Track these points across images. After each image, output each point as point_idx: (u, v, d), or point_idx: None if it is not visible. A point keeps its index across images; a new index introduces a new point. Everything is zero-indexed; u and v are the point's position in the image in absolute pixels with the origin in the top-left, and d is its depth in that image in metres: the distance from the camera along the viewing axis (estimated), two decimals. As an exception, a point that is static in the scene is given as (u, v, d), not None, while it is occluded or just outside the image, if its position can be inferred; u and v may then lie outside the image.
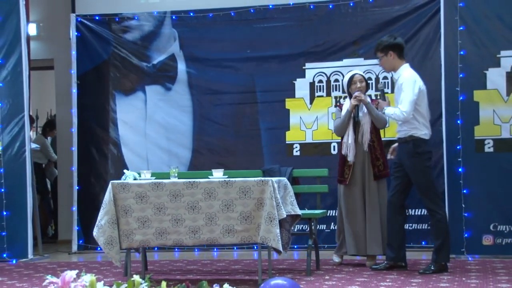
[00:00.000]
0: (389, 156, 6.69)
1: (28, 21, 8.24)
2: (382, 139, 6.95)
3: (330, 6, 8.21)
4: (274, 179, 5.80)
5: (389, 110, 6.36)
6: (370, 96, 6.46)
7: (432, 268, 6.19)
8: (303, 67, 8.29)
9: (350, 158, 6.71)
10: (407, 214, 7.79)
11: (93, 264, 7.44)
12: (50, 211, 10.42)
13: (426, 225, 7.81)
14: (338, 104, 7.79)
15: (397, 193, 6.40)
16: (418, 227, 7.87)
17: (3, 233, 7.82)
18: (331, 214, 7.98)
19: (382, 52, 6.39)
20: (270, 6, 8.38)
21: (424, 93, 6.35)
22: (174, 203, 5.80)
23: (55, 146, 10.17)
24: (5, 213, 7.81)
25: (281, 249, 5.67)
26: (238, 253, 8.05)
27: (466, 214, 7.23)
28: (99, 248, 7.49)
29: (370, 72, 7.94)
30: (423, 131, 6.30)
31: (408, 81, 6.26)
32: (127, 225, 5.86)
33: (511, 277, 5.81)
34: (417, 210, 7.84)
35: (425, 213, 7.84)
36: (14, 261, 7.73)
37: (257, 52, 8.43)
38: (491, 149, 7.31)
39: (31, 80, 8.40)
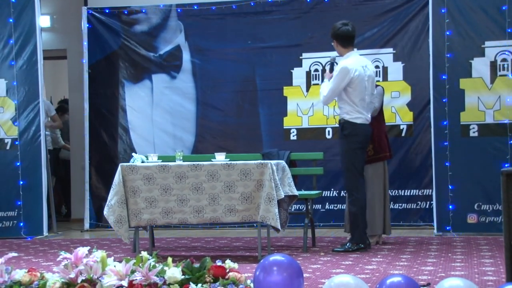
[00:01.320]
0: None
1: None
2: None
3: (326, 0, 8.19)
4: (272, 162, 5.79)
5: (323, 86, 6.30)
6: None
7: (348, 246, 6.13)
8: (300, 57, 8.26)
9: None
10: (397, 194, 7.86)
11: (104, 241, 7.44)
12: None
13: (415, 204, 7.82)
14: None
15: None
16: (407, 207, 7.86)
17: (20, 212, 7.84)
18: (326, 195, 7.98)
19: (331, 38, 6.34)
20: (270, 0, 8.35)
21: (360, 80, 6.14)
22: (179, 184, 5.80)
23: (68, 130, 10.13)
24: (22, 193, 7.84)
25: (279, 227, 5.67)
26: (239, 231, 8.05)
27: (452, 195, 7.23)
28: (109, 227, 7.49)
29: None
30: (353, 115, 6.15)
31: (340, 69, 6.11)
32: (135, 204, 5.86)
33: (493, 253, 5.82)
34: (406, 190, 7.82)
35: (415, 193, 7.86)
36: (30, 238, 7.74)
37: (257, 43, 8.41)
38: (476, 134, 7.30)
39: (45, 69, 8.39)
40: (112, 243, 7.26)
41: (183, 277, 3.62)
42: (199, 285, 3.56)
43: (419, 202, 7.87)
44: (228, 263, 3.72)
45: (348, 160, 6.20)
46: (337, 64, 6.31)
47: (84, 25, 8.70)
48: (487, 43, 7.30)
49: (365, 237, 6.21)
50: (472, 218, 7.24)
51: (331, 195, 8.06)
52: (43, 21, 8.75)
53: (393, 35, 8.00)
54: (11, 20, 7.96)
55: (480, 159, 7.21)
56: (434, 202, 7.38)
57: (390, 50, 7.98)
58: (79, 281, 3.65)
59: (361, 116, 6.19)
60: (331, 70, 6.32)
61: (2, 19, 7.97)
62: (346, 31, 6.21)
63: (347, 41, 6.25)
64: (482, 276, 4.74)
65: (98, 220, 8.55)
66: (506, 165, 6.95)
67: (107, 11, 8.73)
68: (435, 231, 7.30)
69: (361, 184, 6.22)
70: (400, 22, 7.98)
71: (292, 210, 7.22)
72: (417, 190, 7.86)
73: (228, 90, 8.48)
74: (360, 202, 6.18)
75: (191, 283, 3.57)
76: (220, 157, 5.95)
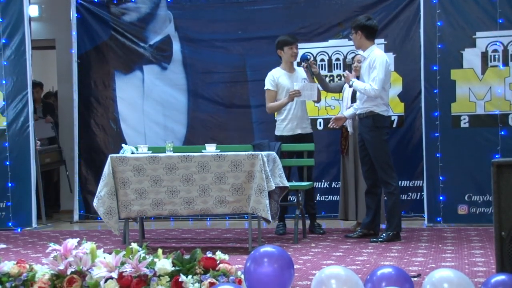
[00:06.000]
0: (331, 125, 6.76)
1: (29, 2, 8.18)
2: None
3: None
4: (263, 153, 5.79)
5: (358, 84, 6.33)
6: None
7: (384, 236, 6.18)
8: (291, 48, 8.23)
9: (349, 129, 6.88)
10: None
11: (93, 233, 7.44)
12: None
13: (406, 195, 7.82)
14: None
15: (370, 169, 6.39)
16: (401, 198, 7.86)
17: (9, 203, 7.82)
18: (317, 186, 7.98)
19: (354, 29, 6.41)
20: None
21: (390, 74, 6.43)
22: (169, 175, 5.79)
23: (58, 121, 10.08)
24: (10, 184, 7.82)
25: (270, 218, 5.68)
26: (230, 223, 8.06)
27: (442, 186, 7.26)
28: (99, 218, 7.47)
29: (354, 52, 7.89)
30: (383, 108, 6.31)
31: (382, 60, 6.26)
32: (125, 196, 5.85)
33: (484, 244, 5.85)
34: (401, 181, 7.79)
35: (406, 184, 7.87)
36: (19, 230, 7.72)
37: (248, 33, 8.39)
38: (467, 125, 7.33)
39: (33, 59, 8.35)
40: (102, 234, 7.26)
41: (173, 268, 3.62)
42: (190, 276, 3.57)
43: (410, 193, 7.89)
44: (219, 255, 3.73)
45: (384, 152, 6.31)
46: (352, 63, 6.67)
47: (73, 14, 8.66)
48: (478, 34, 7.31)
49: (400, 224, 6.32)
50: (462, 209, 7.27)
51: (322, 186, 8.07)
52: (31, 10, 8.70)
53: (384, 25, 7.98)
54: (-2, 10, 7.92)
55: (471, 150, 7.24)
56: (424, 193, 7.40)
57: (381, 41, 7.96)
58: (68, 273, 3.65)
59: (387, 109, 6.40)
60: (350, 70, 6.63)
61: (-10, 8, 7.93)
62: (373, 24, 6.39)
63: (372, 34, 6.39)
64: (472, 267, 4.77)
65: (88, 212, 8.54)
66: (496, 156, 6.99)
67: (96, 0, 8.68)
68: (425, 222, 7.33)
69: (394, 174, 6.34)
70: (391, 12, 7.97)
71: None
72: (408, 181, 7.88)
73: (218, 81, 8.47)
74: (397, 190, 6.32)
75: (181, 274, 3.58)
76: (211, 148, 5.95)
